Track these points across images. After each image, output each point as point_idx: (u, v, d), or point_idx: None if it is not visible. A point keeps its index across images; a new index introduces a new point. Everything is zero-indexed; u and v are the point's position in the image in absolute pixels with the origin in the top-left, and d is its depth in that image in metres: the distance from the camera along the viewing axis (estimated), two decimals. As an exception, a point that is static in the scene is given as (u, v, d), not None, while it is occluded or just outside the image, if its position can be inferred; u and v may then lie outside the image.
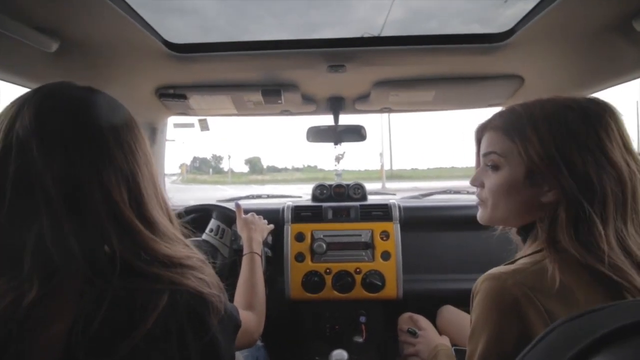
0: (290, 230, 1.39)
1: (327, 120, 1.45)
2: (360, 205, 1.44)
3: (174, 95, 1.18)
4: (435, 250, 1.43)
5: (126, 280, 0.42)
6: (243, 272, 0.95)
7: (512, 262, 0.56)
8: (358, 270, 1.34)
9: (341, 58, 0.98)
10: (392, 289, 1.32)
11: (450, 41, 0.93)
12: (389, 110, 1.41)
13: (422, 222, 1.45)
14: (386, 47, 0.94)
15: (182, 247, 0.50)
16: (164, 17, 0.84)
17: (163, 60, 0.95)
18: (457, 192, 1.75)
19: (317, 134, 1.45)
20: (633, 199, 0.52)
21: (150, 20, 0.82)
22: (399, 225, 1.38)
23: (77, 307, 0.40)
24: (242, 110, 1.34)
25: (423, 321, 1.05)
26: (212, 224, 1.28)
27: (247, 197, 1.83)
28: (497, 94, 1.23)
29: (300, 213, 1.43)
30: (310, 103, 1.33)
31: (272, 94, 1.19)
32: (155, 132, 1.41)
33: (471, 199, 1.54)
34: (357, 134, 1.45)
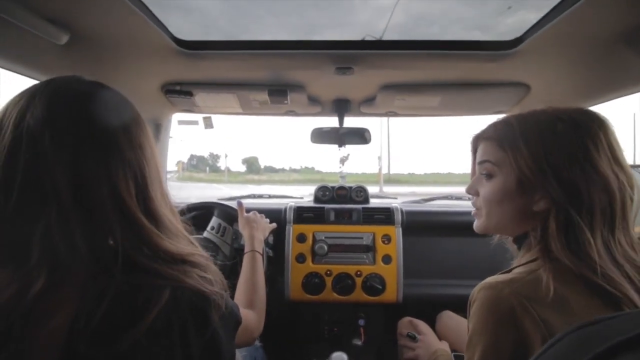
0: (292, 230, 1.39)
1: (330, 122, 1.46)
2: (363, 208, 1.44)
3: (180, 92, 1.18)
4: (436, 255, 1.42)
5: (129, 275, 0.42)
6: (244, 270, 0.95)
7: (508, 271, 0.57)
8: (359, 273, 1.33)
9: (349, 60, 0.98)
10: (392, 292, 1.32)
11: (458, 47, 0.93)
12: (394, 114, 1.41)
13: (423, 226, 1.45)
14: (394, 51, 0.94)
15: (186, 243, 0.50)
16: (173, 13, 0.84)
17: (171, 56, 0.95)
18: (458, 198, 1.75)
19: (321, 136, 1.45)
20: (622, 210, 0.53)
21: (159, 16, 0.82)
22: (400, 229, 1.38)
23: (80, 300, 0.40)
24: (247, 109, 1.34)
25: (423, 326, 1.05)
26: (214, 221, 1.28)
27: (249, 197, 1.82)
28: (502, 102, 1.23)
29: (302, 214, 1.43)
30: (315, 104, 1.33)
31: (278, 94, 1.19)
32: (159, 128, 1.41)
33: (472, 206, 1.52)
34: (361, 137, 1.45)
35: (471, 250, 1.38)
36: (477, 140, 0.68)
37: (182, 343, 0.42)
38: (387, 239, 1.36)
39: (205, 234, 1.24)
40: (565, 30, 0.77)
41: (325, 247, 1.33)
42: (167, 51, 0.92)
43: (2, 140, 0.41)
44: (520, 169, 0.57)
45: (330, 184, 1.59)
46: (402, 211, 1.42)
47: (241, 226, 1.12)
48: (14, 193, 0.40)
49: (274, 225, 1.22)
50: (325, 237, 1.37)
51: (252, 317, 0.80)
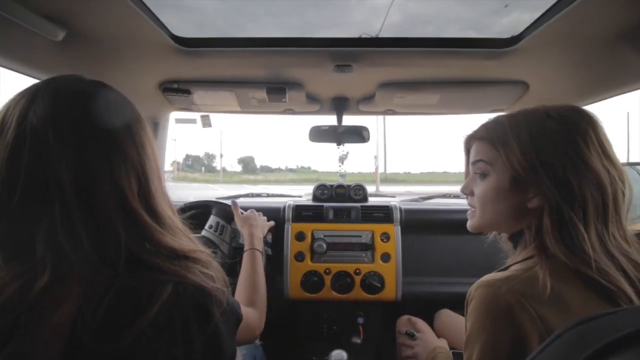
0: (290, 229, 1.39)
1: (328, 120, 1.46)
2: (362, 206, 1.44)
3: (178, 90, 1.18)
4: (434, 253, 1.43)
5: (132, 271, 0.42)
6: (244, 268, 0.94)
7: (505, 269, 0.58)
8: (357, 271, 1.33)
9: (348, 58, 0.98)
10: (391, 290, 1.32)
11: (457, 45, 0.94)
12: (393, 112, 1.41)
13: (422, 225, 1.45)
14: (393, 49, 0.94)
15: (186, 240, 0.50)
16: (171, 11, 0.84)
17: (169, 54, 0.94)
18: (456, 196, 1.76)
19: (319, 134, 1.45)
20: (614, 205, 0.54)
21: (157, 14, 0.82)
22: (399, 228, 1.38)
23: (83, 296, 0.41)
24: (246, 107, 1.34)
25: (421, 324, 1.05)
26: (212, 220, 1.27)
27: (247, 195, 1.82)
28: (501, 100, 1.23)
29: (301, 212, 1.42)
30: (314, 102, 1.33)
31: (276, 92, 1.18)
32: (157, 127, 1.40)
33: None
34: (359, 135, 1.45)
35: (469, 248, 1.39)
36: (470, 141, 0.68)
37: (185, 338, 0.42)
38: (385, 237, 1.36)
39: (203, 233, 1.23)
40: (564, 28, 0.78)
41: (324, 246, 1.32)
42: (165, 49, 0.92)
43: (5, 138, 0.42)
44: (512, 166, 0.58)
45: (329, 183, 1.58)
46: (400, 209, 1.42)
47: (240, 225, 1.12)
48: (17, 191, 0.41)
49: (273, 223, 1.22)
50: (324, 236, 1.37)
51: (253, 314, 0.80)
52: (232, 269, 1.14)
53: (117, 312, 0.40)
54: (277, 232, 1.37)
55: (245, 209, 1.20)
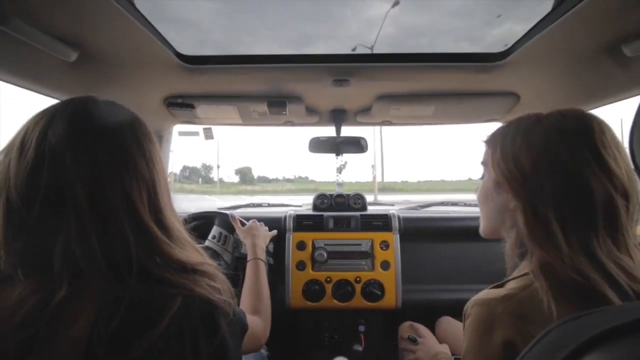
0: (291, 238, 1.41)
1: (327, 131, 1.50)
2: (361, 215, 1.46)
3: (181, 105, 1.22)
4: (433, 261, 1.45)
5: (143, 284, 0.44)
6: (248, 278, 0.97)
7: (502, 284, 0.57)
8: (358, 279, 1.35)
9: (346, 73, 1.02)
10: (391, 298, 1.34)
11: (451, 59, 0.98)
12: (390, 123, 1.45)
13: (421, 232, 1.47)
14: (389, 64, 0.99)
15: (194, 252, 0.52)
16: (173, 28, 0.88)
17: (174, 71, 0.98)
18: (454, 204, 1.78)
19: (319, 145, 1.49)
20: (607, 211, 0.51)
21: (163, 33, 0.86)
22: (398, 236, 1.40)
23: (98, 309, 0.42)
24: (247, 120, 1.38)
25: (423, 329, 1.07)
26: (215, 230, 1.29)
27: (248, 206, 1.85)
28: (494, 110, 1.28)
29: (302, 222, 1.45)
30: (313, 115, 1.36)
31: (277, 105, 1.22)
32: (161, 140, 1.43)
33: (468, 211, 1.57)
34: (358, 145, 1.49)
35: (468, 255, 1.41)
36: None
37: (193, 350, 0.44)
38: (385, 245, 1.39)
39: (206, 243, 1.25)
40: (551, 43, 0.82)
41: (325, 254, 1.34)
42: (170, 66, 0.96)
43: (25, 158, 0.44)
44: (494, 167, 0.60)
45: (328, 192, 1.61)
46: (399, 218, 1.45)
47: (242, 235, 1.14)
48: (36, 207, 0.42)
49: (275, 232, 1.25)
50: (325, 245, 1.39)
51: (258, 323, 0.82)
52: (235, 279, 1.16)
53: (129, 325, 0.41)
54: (278, 241, 1.40)
55: (247, 219, 1.23)
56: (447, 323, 1.20)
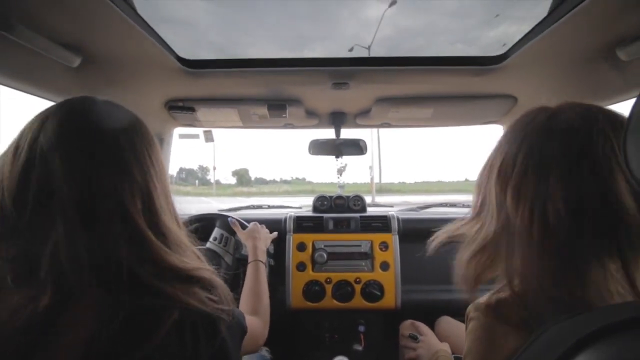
0: (292, 240, 1.42)
1: (327, 133, 1.51)
2: (360, 216, 1.47)
3: (182, 108, 1.23)
4: (432, 261, 1.44)
5: (138, 296, 0.42)
6: (248, 279, 0.98)
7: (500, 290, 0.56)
8: (358, 280, 1.36)
9: (345, 76, 1.03)
10: (390, 298, 1.35)
11: (448, 63, 0.99)
12: (389, 125, 1.46)
13: (420, 233, 1.47)
14: (388, 67, 1.00)
15: (192, 256, 0.51)
16: (175, 31, 0.89)
17: (175, 74, 1.00)
18: (453, 205, 1.80)
19: (319, 147, 1.50)
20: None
21: (165, 37, 0.87)
22: (397, 237, 1.42)
23: (93, 321, 0.41)
24: (247, 122, 1.39)
25: (424, 328, 1.08)
26: (216, 232, 1.30)
27: (248, 208, 1.86)
28: (491, 113, 1.29)
29: (302, 223, 1.46)
30: (313, 117, 1.38)
31: (277, 108, 1.23)
32: (162, 142, 1.44)
33: (467, 213, 1.56)
34: (357, 147, 1.50)
35: None
36: None
37: (194, 355, 0.44)
38: (384, 246, 1.40)
39: (207, 245, 1.26)
40: (547, 47, 0.83)
41: (325, 255, 1.36)
42: (172, 70, 0.97)
43: (18, 161, 0.43)
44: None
45: (328, 194, 1.62)
46: (398, 219, 1.46)
47: (244, 238, 1.15)
48: (27, 212, 0.41)
49: (275, 234, 1.26)
50: (325, 246, 1.40)
51: (257, 324, 0.83)
52: (236, 280, 1.17)
53: (126, 337, 0.40)
54: (278, 243, 1.41)
55: (247, 220, 1.24)
56: (447, 323, 1.21)
